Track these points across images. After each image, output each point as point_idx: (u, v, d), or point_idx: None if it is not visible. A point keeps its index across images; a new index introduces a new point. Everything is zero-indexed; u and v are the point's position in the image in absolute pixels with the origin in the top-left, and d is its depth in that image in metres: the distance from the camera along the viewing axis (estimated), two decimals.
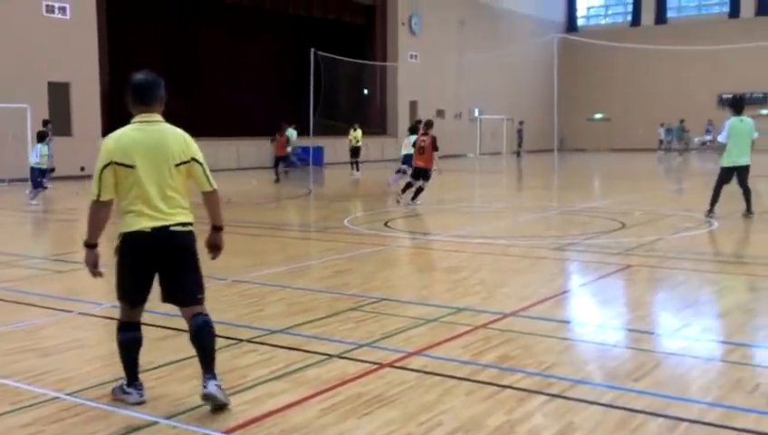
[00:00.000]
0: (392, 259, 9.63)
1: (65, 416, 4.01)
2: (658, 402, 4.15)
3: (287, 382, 4.51)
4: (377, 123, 35.53)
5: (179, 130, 4.20)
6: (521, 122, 39.79)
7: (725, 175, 12.19)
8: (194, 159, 4.14)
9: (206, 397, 3.97)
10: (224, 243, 4.34)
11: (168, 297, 4.16)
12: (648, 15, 47.15)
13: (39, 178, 16.48)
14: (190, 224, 4.15)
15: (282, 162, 23.15)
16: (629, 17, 48.35)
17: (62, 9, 23.44)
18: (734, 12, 44.68)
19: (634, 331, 5.89)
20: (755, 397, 4.24)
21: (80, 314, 6.35)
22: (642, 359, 5.06)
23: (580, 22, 50.39)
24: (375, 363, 4.89)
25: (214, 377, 4.02)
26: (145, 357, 5.00)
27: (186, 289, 4.13)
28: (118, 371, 4.63)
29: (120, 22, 26.34)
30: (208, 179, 4.18)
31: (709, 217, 12.09)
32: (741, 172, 12.11)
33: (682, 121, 42.00)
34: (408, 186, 15.09)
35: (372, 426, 3.86)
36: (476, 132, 41.19)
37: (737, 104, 12.43)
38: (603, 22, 50.64)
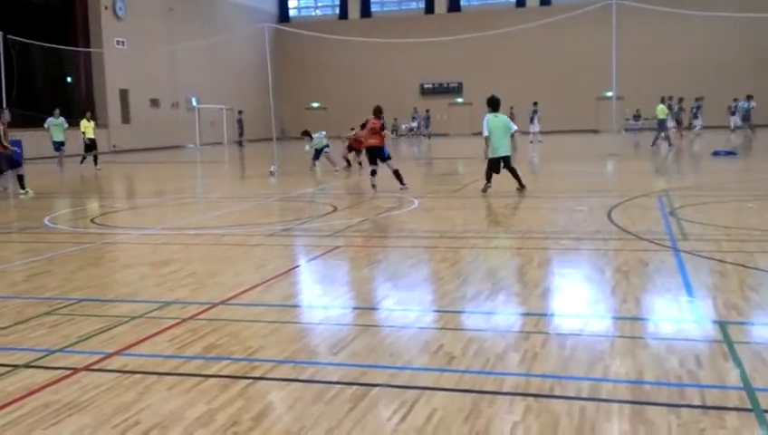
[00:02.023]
0: (97, 257, 9.05)
1: None
2: (354, 372, 4.39)
3: None
4: (83, 112, 33.16)
5: None
6: (240, 112, 39.68)
7: (493, 165, 13.79)
8: None
9: None
10: None
11: None
12: (354, 9, 49.55)
13: None
14: None
15: None
16: (338, 10, 50.41)
17: None
18: (429, 8, 48.65)
19: (339, 308, 6.16)
20: (438, 357, 4.66)
21: None
22: (343, 333, 5.31)
23: (291, 13, 51.44)
24: (69, 369, 4.56)
25: None
26: None
27: None
28: None
29: None
30: None
31: (485, 190, 13.71)
32: (504, 160, 13.76)
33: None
34: (374, 174, 14.82)
35: None
36: (195, 122, 40.27)
37: (493, 102, 13.86)
38: (314, 14, 52.21)
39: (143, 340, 5.15)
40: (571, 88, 45.86)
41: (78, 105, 32.89)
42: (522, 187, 13.76)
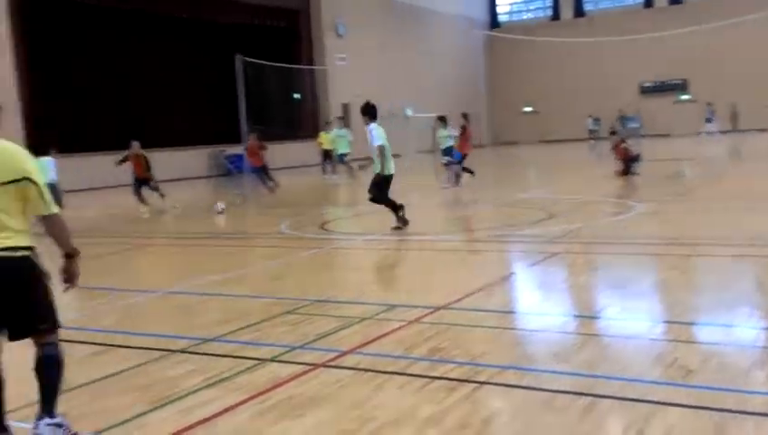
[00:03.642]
0: (328, 261, 9.66)
1: None
2: (581, 382, 4.31)
3: (219, 390, 4.51)
4: (309, 127, 35.45)
5: (10, 144, 3.70)
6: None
7: (386, 183, 11.26)
8: (27, 179, 3.63)
9: None
10: (79, 270, 3.91)
11: (10, 334, 3.72)
12: (567, 9, 48.34)
13: None
14: (21, 248, 3.64)
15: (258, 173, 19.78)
16: (550, 12, 49.48)
17: None
18: (648, 1, 46.15)
19: (561, 315, 6.07)
20: (673, 370, 4.43)
21: None
22: (569, 341, 5.23)
23: (502, 18, 51.29)
24: (308, 365, 4.93)
25: (50, 414, 3.69)
26: (76, 374, 4.93)
27: (21, 320, 3.69)
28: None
29: (42, 37, 25.61)
30: (45, 202, 3.69)
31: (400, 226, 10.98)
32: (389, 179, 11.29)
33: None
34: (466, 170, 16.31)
35: (305, 426, 3.90)
36: (408, 132, 41.53)
37: (374, 110, 11.61)
38: (525, 17, 51.66)
39: (373, 340, 5.43)
40: None
41: (305, 120, 35.25)
42: (401, 223, 11.04)
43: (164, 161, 28.28)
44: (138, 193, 15.90)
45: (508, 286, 7.53)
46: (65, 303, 7.93)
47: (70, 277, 3.88)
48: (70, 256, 3.85)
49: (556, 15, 48.83)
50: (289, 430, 3.86)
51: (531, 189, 18.44)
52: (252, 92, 29.60)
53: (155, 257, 10.75)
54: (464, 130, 18.49)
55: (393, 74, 39.64)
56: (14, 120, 23.41)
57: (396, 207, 11.13)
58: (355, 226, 13.37)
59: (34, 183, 3.66)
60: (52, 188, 13.50)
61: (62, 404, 4.38)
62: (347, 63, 37.08)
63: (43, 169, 13.46)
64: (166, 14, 29.71)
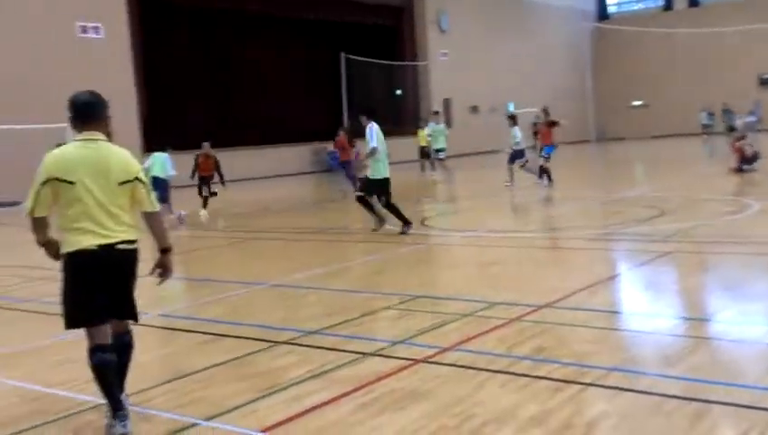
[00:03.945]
0: (427, 257, 9.67)
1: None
2: (692, 387, 4.13)
3: (323, 381, 4.60)
4: (411, 123, 35.58)
5: (122, 150, 4.13)
6: (537, 116, 39.47)
7: (379, 187, 11.10)
8: (137, 179, 4.07)
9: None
10: (173, 265, 4.26)
11: (108, 313, 4.08)
12: None
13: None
14: (135, 241, 4.07)
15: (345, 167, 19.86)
16: (662, 2, 47.61)
17: (96, 29, 24.05)
18: None
19: (670, 317, 5.85)
20: None
21: None
22: (679, 345, 5.03)
23: (611, 9, 49.75)
24: (409, 360, 4.95)
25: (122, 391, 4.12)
26: (186, 361, 5.15)
27: (126, 304, 4.10)
28: (158, 376, 4.80)
29: (155, 37, 26.89)
30: (151, 201, 4.14)
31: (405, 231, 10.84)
32: (386, 186, 11.12)
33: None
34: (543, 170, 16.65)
35: (406, 420, 3.92)
36: (508, 127, 40.97)
37: (374, 111, 11.58)
38: (636, 8, 49.89)
39: (474, 337, 5.39)
40: None
41: (406, 116, 35.38)
42: (406, 226, 10.84)
43: (268, 158, 29.22)
44: (200, 193, 15.78)
45: (615, 286, 7.31)
46: (174, 294, 8.33)
47: (165, 271, 4.23)
48: (166, 250, 4.21)
49: (669, 5, 46.93)
50: (391, 423, 3.89)
51: (639, 186, 17.84)
52: (355, 89, 30.03)
53: (259, 251, 11.06)
54: (552, 123, 17.97)
55: (496, 69, 39.21)
56: (132, 119, 24.74)
57: (374, 211, 11.02)
58: (455, 222, 13.32)
59: (143, 183, 4.11)
60: (165, 183, 14.06)
61: (172, 391, 4.61)
62: (448, 59, 36.97)
63: (162, 164, 14.09)
64: (272, 15, 30.50)
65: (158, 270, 4.23)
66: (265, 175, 28.34)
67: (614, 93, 46.32)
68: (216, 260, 10.06)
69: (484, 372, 4.61)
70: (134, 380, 4.67)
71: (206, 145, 16.16)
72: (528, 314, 5.96)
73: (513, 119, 18.56)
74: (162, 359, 5.56)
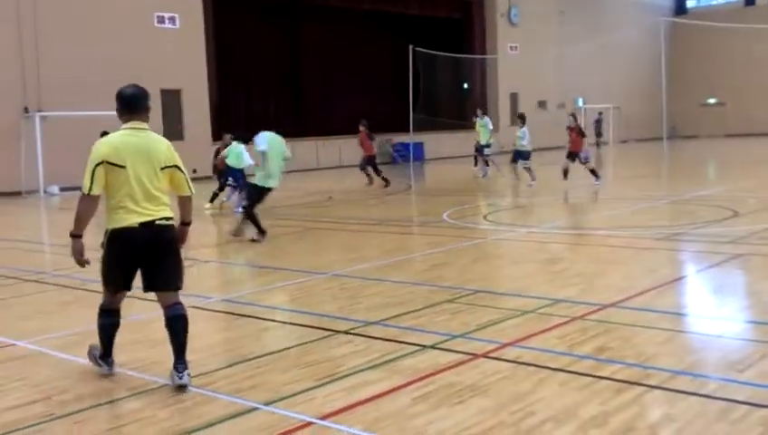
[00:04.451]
0: (489, 252, 9.59)
1: (172, 402, 4.26)
2: (761, 393, 3.99)
3: (381, 372, 4.61)
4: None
5: (164, 139, 4.67)
6: (600, 113, 38.54)
7: (262, 195, 10.59)
8: (176, 166, 4.62)
9: (181, 387, 4.39)
10: (187, 235, 4.83)
11: (150, 286, 4.61)
12: None
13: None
14: (172, 218, 4.59)
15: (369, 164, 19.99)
16: None
17: (172, 19, 24.64)
18: None
19: (740, 321, 5.65)
20: None
21: (188, 307, 6.68)
22: (748, 349, 4.86)
23: (689, 3, 48.23)
24: (469, 354, 4.92)
25: (186, 365, 4.44)
26: (246, 348, 5.24)
27: (167, 276, 4.58)
28: (224, 359, 4.91)
29: (226, 29, 27.36)
30: (189, 185, 4.70)
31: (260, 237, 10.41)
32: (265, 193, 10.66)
33: None
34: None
35: (464, 414, 3.90)
36: (581, 123, 40.22)
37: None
38: (715, 3, 48.23)
39: (535, 334, 5.33)
40: None
41: (472, 110, 35.10)
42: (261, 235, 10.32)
43: (334, 148, 29.41)
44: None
45: (682, 287, 7.11)
46: (238, 280, 8.48)
47: (181, 239, 4.76)
48: (186, 224, 4.78)
49: (751, 0, 45.19)
50: (448, 417, 3.87)
51: (713, 186, 17.28)
52: (424, 82, 29.93)
53: (322, 241, 11.15)
54: (582, 133, 17.34)
55: (565, 63, 38.50)
56: (204, 108, 25.28)
57: (259, 225, 10.37)
58: (518, 217, 13.17)
59: (181, 170, 4.66)
60: (239, 173, 14.31)
61: (233, 376, 4.69)
62: (518, 52, 36.49)
63: (237, 155, 14.38)
64: (344, 7, 30.63)
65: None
66: (330, 166, 28.55)
67: (688, 90, 44.93)
68: (280, 249, 10.19)
69: (544, 369, 4.55)
70: (197, 363, 4.78)
71: (227, 136, 15.35)
72: (591, 312, 5.85)
73: (522, 118, 18.19)
74: (224, 343, 5.67)
